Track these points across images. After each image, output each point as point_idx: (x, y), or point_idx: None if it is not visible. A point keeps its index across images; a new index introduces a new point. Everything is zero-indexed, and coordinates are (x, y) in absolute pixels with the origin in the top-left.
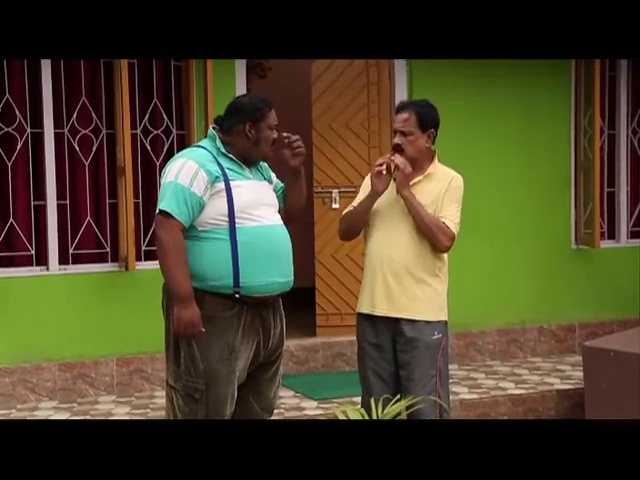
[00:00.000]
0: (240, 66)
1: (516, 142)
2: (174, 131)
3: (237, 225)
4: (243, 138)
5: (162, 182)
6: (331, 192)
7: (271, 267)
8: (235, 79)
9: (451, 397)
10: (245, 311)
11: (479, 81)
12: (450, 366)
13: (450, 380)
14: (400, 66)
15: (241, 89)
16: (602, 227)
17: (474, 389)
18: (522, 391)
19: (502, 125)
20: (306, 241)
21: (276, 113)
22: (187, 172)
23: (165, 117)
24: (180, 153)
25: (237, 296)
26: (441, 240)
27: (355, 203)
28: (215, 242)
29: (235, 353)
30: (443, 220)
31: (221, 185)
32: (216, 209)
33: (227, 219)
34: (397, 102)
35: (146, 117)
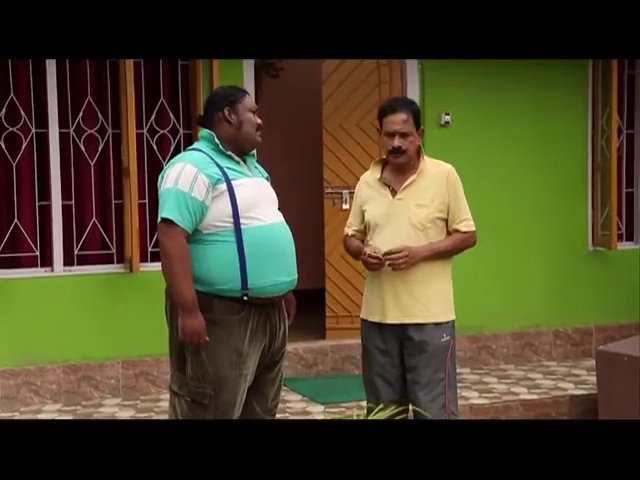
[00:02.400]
0: (248, 65)
1: (530, 142)
2: (181, 131)
3: (242, 226)
4: (226, 126)
5: (161, 189)
6: (341, 192)
7: (277, 266)
8: (243, 78)
9: (461, 402)
10: (253, 313)
11: (492, 80)
12: (462, 370)
13: (461, 384)
14: (412, 65)
15: (249, 88)
16: (620, 228)
17: (485, 394)
18: (534, 396)
19: (516, 125)
20: (316, 242)
21: (289, 113)
22: (186, 177)
23: (172, 116)
24: (176, 158)
25: (245, 298)
26: (469, 246)
27: (350, 230)
28: (221, 245)
29: (243, 357)
30: (459, 225)
31: (223, 186)
32: (221, 211)
33: (232, 220)
34: None
35: (152, 116)
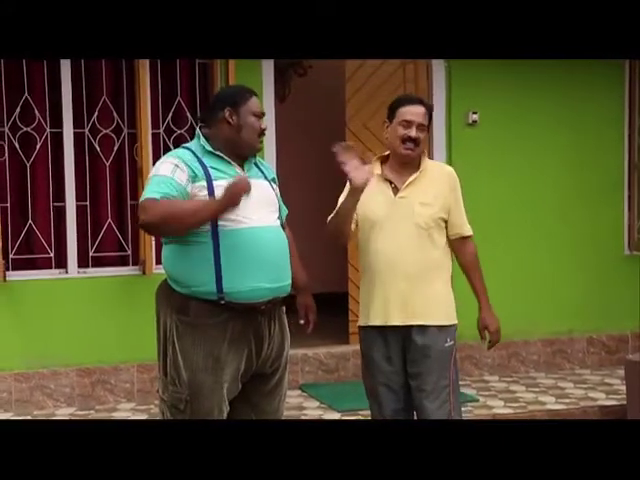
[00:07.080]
0: (267, 65)
1: (563, 142)
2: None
3: (220, 227)
4: (225, 126)
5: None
6: None
7: (257, 272)
8: (262, 78)
9: (484, 411)
10: (233, 318)
11: (522, 80)
12: (489, 377)
13: (487, 392)
14: (438, 64)
15: (269, 88)
16: None
17: (510, 403)
18: (562, 406)
19: (548, 125)
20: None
21: (315, 112)
22: (167, 166)
23: (189, 116)
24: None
25: (222, 302)
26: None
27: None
28: (198, 246)
29: (221, 363)
30: (462, 229)
31: (203, 184)
32: None
33: (210, 221)
34: (435, 102)
35: (169, 116)
